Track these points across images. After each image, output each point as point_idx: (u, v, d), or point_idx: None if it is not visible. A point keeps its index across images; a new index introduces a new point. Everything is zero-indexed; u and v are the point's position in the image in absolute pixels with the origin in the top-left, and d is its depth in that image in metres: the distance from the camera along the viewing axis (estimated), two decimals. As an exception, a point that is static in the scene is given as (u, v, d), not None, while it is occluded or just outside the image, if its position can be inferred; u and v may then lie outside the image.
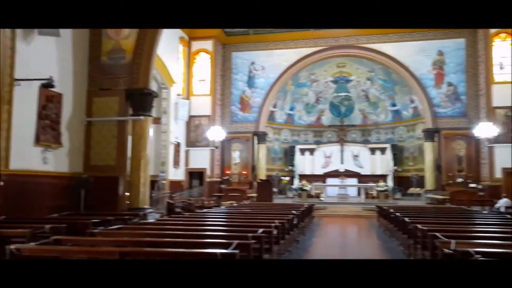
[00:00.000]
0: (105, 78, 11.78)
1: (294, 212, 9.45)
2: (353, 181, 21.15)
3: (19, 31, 9.30)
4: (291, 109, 23.57)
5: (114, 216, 8.68)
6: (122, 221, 8.38)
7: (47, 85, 9.79)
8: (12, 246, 4.56)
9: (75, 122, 11.24)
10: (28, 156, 9.57)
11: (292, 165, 22.62)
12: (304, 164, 22.75)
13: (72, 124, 11.12)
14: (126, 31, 11.90)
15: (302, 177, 21.37)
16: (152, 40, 11.91)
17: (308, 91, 23.49)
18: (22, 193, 9.24)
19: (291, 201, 18.27)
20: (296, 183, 21.04)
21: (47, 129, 10.19)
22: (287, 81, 22.04)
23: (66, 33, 10.86)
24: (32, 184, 9.59)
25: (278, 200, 18.23)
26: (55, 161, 10.48)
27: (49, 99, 10.23)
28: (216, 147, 20.32)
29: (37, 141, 9.85)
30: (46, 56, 10.26)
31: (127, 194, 11.37)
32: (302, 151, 23.03)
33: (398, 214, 9.29)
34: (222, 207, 13.20)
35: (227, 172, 20.88)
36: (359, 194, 20.00)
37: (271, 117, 22.59)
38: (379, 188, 19.16)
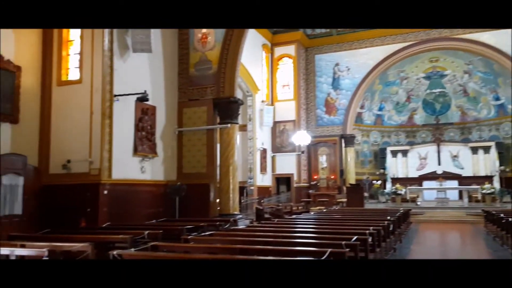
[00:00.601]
0: (193, 89, 12.26)
1: (389, 217, 8.87)
2: (453, 183, 19.44)
3: (116, 50, 10.04)
4: (380, 109, 22.50)
5: (206, 222, 8.90)
6: (213, 227, 8.55)
7: (142, 99, 10.42)
8: (114, 252, 4.82)
9: (168, 133, 11.83)
10: (127, 166, 10.25)
11: (384, 168, 21.53)
12: (397, 166, 21.52)
13: (165, 134, 11.72)
14: (211, 43, 12.28)
15: (395, 180, 20.21)
16: (236, 50, 12.14)
17: (398, 90, 22.24)
18: (123, 201, 9.90)
19: (384, 206, 17.34)
20: (389, 187, 19.96)
21: (144, 140, 10.86)
22: (374, 81, 21.10)
23: (158, 49, 11.49)
24: (132, 192, 10.24)
25: (369, 205, 17.42)
26: (152, 170, 11.11)
27: (144, 112, 10.90)
28: (302, 152, 20.09)
29: (135, 151, 10.53)
30: (140, 71, 10.96)
31: (217, 200, 11.66)
32: (394, 153, 21.82)
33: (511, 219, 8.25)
34: (311, 213, 12.92)
35: (314, 177, 20.54)
36: (460, 197, 18.33)
37: (359, 118, 21.78)
38: (484, 191, 17.38)
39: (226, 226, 9.03)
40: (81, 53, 10.12)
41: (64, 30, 10.36)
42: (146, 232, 7.01)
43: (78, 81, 10.02)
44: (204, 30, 12.36)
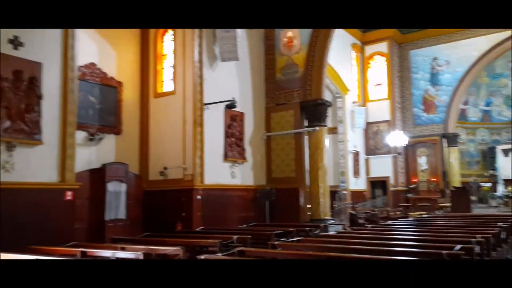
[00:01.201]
0: (280, 93, 12.24)
1: (500, 224, 7.86)
2: None
3: (205, 61, 10.43)
4: (487, 104, 20.31)
5: (296, 227, 8.74)
6: (303, 232, 8.36)
7: (231, 105, 10.66)
8: (202, 257, 4.91)
9: (256, 138, 11.95)
10: (218, 172, 10.54)
11: (494, 169, 19.35)
12: (509, 166, 19.21)
13: (254, 139, 11.86)
14: (297, 46, 12.16)
15: (508, 182, 18.03)
16: (323, 51, 11.85)
17: (508, 82, 19.90)
18: (216, 205, 10.18)
19: (495, 211, 15.53)
20: (501, 189, 17.87)
21: (233, 146, 11.10)
22: (479, 73, 19.13)
23: (244, 57, 11.69)
24: (223, 197, 10.51)
25: (477, 210, 15.73)
26: (241, 175, 11.30)
27: (233, 119, 11.14)
28: (399, 154, 18.93)
29: (225, 157, 10.80)
30: (229, 79, 11.24)
31: (308, 205, 11.44)
32: (506, 151, 19.50)
33: None
34: (410, 219, 12.04)
35: (413, 180, 19.20)
36: None
37: (462, 115, 19.90)
38: None
39: (317, 231, 8.77)
40: (174, 66, 10.70)
41: (159, 46, 11.06)
42: (235, 236, 7.09)
43: (172, 92, 10.59)
44: (289, 34, 12.30)
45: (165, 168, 10.25)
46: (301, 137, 11.72)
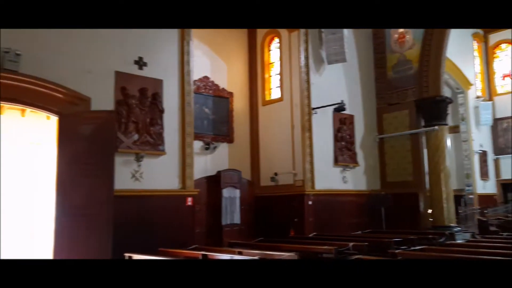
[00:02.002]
0: (392, 92, 11.58)
1: None
2: None
3: (312, 65, 10.35)
4: None
5: (417, 234, 8.13)
6: (426, 240, 7.74)
7: (339, 109, 10.40)
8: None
9: (368, 141, 11.46)
10: (329, 177, 10.33)
11: None
12: None
13: (365, 143, 11.38)
14: (409, 41, 11.42)
15: None
16: (440, 44, 10.92)
17: None
18: (327, 211, 9.98)
19: None
20: None
21: (343, 150, 10.79)
22: None
23: (352, 58, 11.34)
24: (335, 203, 10.25)
25: None
26: (353, 180, 10.91)
27: (342, 122, 10.85)
28: (537, 152, 16.53)
29: (336, 162, 10.54)
30: (336, 82, 10.98)
31: (429, 211, 10.58)
32: None
33: None
34: (556, 227, 10.36)
35: (557, 182, 16.58)
36: None
37: None
38: None
39: (441, 240, 8.05)
40: (280, 73, 10.83)
41: (266, 55, 11.31)
42: (351, 244, 6.83)
43: (280, 99, 10.73)
44: (401, 30, 11.61)
45: (276, 174, 10.38)
46: (418, 138, 10.91)
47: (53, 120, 7.14)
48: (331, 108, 10.46)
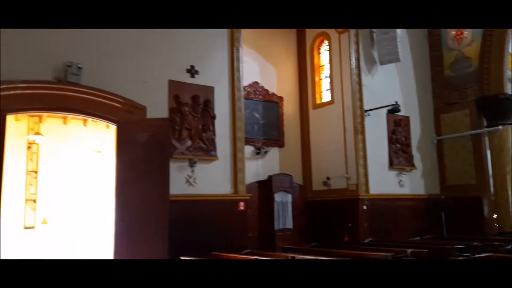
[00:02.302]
0: (450, 92, 11.03)
1: None
2: None
3: (363, 67, 10.11)
4: None
5: (481, 241, 7.65)
6: (491, 247, 7.26)
7: (393, 110, 10.05)
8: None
9: (425, 143, 10.97)
10: (384, 180, 9.99)
11: None
12: None
13: (422, 145, 10.91)
14: (468, 38, 10.83)
15: None
16: (502, 39, 10.23)
17: None
18: (383, 216, 9.65)
19: None
20: None
21: (399, 153, 10.41)
22: None
23: (406, 57, 10.95)
24: (391, 207, 9.89)
25: None
26: (410, 184, 10.49)
27: (396, 124, 10.48)
28: None
29: (391, 165, 10.19)
30: (389, 83, 10.64)
31: (494, 216, 9.93)
32: None
33: None
34: None
35: None
36: None
37: None
38: None
39: (508, 247, 7.52)
40: (331, 76, 10.68)
41: (315, 58, 11.20)
42: (409, 250, 6.57)
43: (330, 102, 10.57)
44: (457, 26, 11.05)
45: (328, 178, 10.21)
46: (481, 138, 10.30)
47: (112, 128, 7.52)
48: (385, 110, 10.14)
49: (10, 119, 6.28)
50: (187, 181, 7.41)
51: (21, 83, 5.96)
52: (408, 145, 10.63)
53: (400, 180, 10.31)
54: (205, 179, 7.59)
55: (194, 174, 7.46)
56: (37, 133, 9.78)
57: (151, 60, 7.31)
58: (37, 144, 9.97)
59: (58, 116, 9.51)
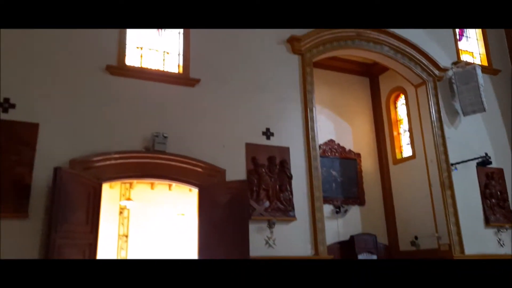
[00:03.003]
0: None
1: None
2: None
3: (445, 118, 9.70)
4: None
5: None
6: None
7: (484, 163, 9.37)
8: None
9: (525, 196, 9.93)
10: (480, 239, 9.09)
11: None
12: None
13: (524, 198, 9.88)
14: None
15: None
16: None
17: None
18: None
19: None
20: None
21: (495, 209, 9.51)
22: None
23: (493, 104, 10.32)
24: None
25: None
26: (513, 243, 9.41)
27: (489, 177, 9.69)
28: None
29: (487, 222, 9.30)
30: (476, 134, 10.02)
31: None
32: None
33: None
34: None
35: None
36: None
37: None
38: None
39: None
40: (410, 130, 10.34)
41: (392, 112, 10.99)
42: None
43: (412, 157, 10.14)
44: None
45: (416, 238, 9.54)
46: None
47: (194, 192, 7.89)
48: (474, 163, 9.47)
49: (105, 187, 6.89)
50: (267, 242, 7.38)
51: (115, 154, 6.62)
52: (505, 200, 9.69)
53: (500, 239, 9.30)
54: (285, 240, 7.50)
55: (273, 235, 7.43)
56: (128, 199, 10.56)
57: (229, 126, 7.72)
58: (128, 209, 10.74)
59: (147, 182, 10.24)
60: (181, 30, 7.89)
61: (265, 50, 8.39)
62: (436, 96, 9.81)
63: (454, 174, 9.29)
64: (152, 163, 6.89)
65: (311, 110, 8.49)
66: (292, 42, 8.56)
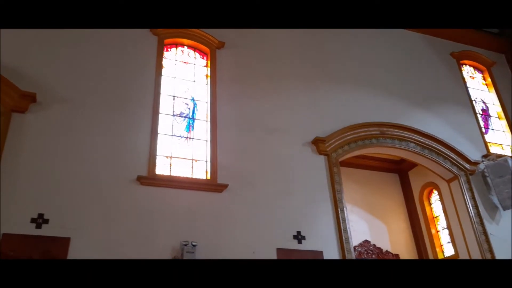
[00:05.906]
0: None
1: None
2: None
3: (484, 214, 9.25)
4: None
5: None
6: None
7: (536, 260, 8.61)
8: None
9: None
10: None
11: None
12: None
13: None
14: None
15: None
16: None
17: None
18: None
19: None
20: None
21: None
22: None
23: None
24: None
25: None
26: None
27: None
28: None
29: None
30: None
31: None
32: None
33: None
34: None
35: None
36: None
37: None
38: None
39: None
40: (448, 227, 9.83)
41: (427, 209, 10.57)
42: None
43: (455, 256, 9.49)
44: None
45: None
46: None
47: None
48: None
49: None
50: None
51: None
52: None
53: None
54: None
55: None
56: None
57: (259, 231, 7.51)
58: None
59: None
60: (209, 138, 8.14)
61: (290, 152, 8.49)
62: (471, 190, 9.46)
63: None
64: (181, 273, 6.64)
65: (342, 210, 8.26)
66: (316, 143, 8.67)
